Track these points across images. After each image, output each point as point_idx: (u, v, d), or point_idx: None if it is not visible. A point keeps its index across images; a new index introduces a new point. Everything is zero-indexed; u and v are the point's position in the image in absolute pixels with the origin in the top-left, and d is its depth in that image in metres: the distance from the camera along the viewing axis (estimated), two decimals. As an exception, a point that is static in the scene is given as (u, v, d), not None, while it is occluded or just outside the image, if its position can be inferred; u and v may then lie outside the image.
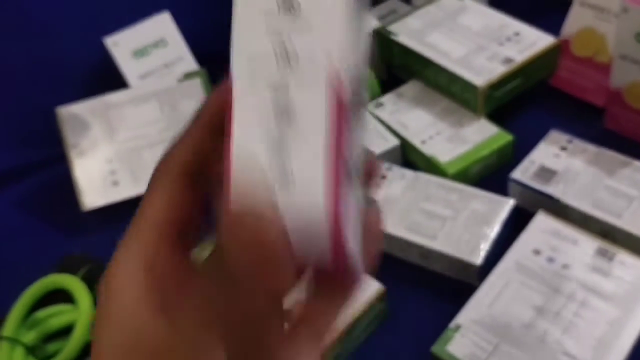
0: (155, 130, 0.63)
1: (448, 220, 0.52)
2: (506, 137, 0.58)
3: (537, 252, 0.48)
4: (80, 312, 0.49)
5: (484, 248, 0.49)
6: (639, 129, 0.58)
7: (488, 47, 0.62)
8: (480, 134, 0.59)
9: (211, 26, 0.75)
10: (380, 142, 0.60)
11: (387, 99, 0.64)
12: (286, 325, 0.24)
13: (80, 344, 0.48)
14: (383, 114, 0.62)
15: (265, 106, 0.20)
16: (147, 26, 0.69)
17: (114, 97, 0.64)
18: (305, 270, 0.25)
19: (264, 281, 0.22)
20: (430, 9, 0.68)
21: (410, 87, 0.65)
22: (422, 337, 0.46)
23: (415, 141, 0.59)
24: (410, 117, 0.62)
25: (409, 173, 0.56)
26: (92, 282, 0.50)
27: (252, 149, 0.20)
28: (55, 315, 0.50)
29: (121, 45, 0.68)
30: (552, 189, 0.52)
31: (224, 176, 0.20)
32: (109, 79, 0.68)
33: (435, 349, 0.44)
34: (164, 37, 0.69)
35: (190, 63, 0.69)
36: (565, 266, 0.47)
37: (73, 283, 0.49)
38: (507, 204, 0.52)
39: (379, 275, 0.49)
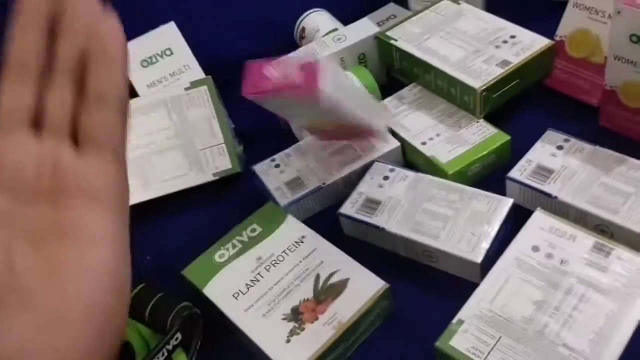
0: (163, 137, 0.65)
1: (449, 220, 0.53)
2: (504, 138, 0.60)
3: (535, 248, 0.50)
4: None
5: (484, 246, 0.51)
6: (633, 127, 0.59)
7: (485, 50, 0.63)
8: (479, 135, 0.60)
9: (216, 36, 0.77)
10: (382, 143, 0.61)
11: (388, 102, 0.66)
12: None
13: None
14: (384, 117, 0.64)
15: None
16: (154, 36, 0.71)
17: (122, 106, 0.66)
18: None
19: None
20: (428, 14, 0.70)
21: (410, 91, 0.67)
22: (426, 333, 0.48)
23: (416, 143, 0.61)
24: (411, 119, 0.63)
25: (410, 174, 0.58)
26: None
27: None
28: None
29: (129, 54, 0.70)
30: (550, 187, 0.54)
31: None
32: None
33: (439, 344, 0.46)
34: (171, 46, 0.71)
35: (196, 71, 0.71)
36: (563, 262, 0.49)
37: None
38: (507, 203, 0.53)
39: (383, 273, 0.51)
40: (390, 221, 0.54)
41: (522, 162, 0.56)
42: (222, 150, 0.65)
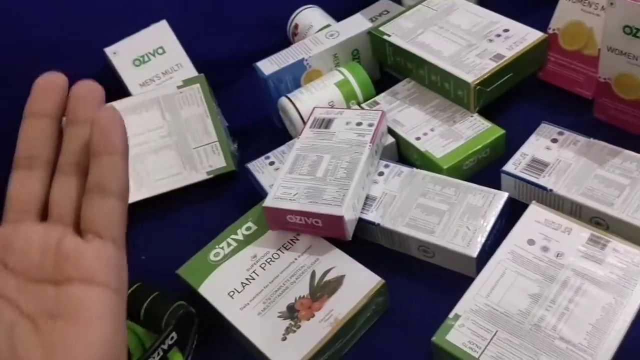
0: (157, 136, 0.64)
1: (445, 215, 0.53)
2: (498, 132, 0.59)
3: (531, 241, 0.50)
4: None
5: (480, 241, 0.51)
6: (628, 119, 0.59)
7: (478, 44, 0.63)
8: (473, 129, 0.60)
9: (209, 33, 0.77)
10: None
11: (382, 98, 0.66)
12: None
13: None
14: (378, 113, 0.64)
15: None
16: (146, 35, 0.70)
17: (115, 105, 0.65)
18: None
19: None
20: (421, 9, 0.70)
21: (404, 86, 0.67)
22: (423, 328, 0.47)
23: (410, 138, 0.61)
24: (405, 115, 0.63)
25: (405, 169, 0.58)
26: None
27: None
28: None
29: (121, 54, 0.70)
30: (544, 180, 0.54)
31: None
32: (110, 88, 0.70)
33: (436, 339, 0.45)
34: (163, 45, 0.71)
35: (189, 69, 0.70)
36: (559, 255, 0.49)
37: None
38: (502, 197, 0.53)
39: (379, 269, 0.50)
40: (385, 217, 0.54)
41: (516, 156, 0.56)
42: (215, 149, 0.64)
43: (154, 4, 0.73)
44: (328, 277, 0.50)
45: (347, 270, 0.51)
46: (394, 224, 0.54)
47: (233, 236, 0.55)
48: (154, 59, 0.70)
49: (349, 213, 0.52)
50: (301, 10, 0.76)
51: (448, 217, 0.53)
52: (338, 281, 0.50)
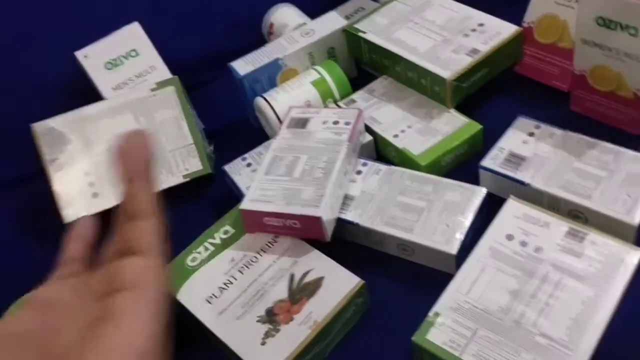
0: (131, 140, 0.63)
1: (423, 212, 0.53)
2: (476, 127, 0.59)
3: (510, 237, 0.49)
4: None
5: (459, 237, 0.50)
6: (604, 111, 0.59)
7: (454, 39, 0.63)
8: (451, 125, 0.60)
9: (182, 34, 0.76)
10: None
11: (359, 95, 0.65)
12: None
13: None
14: (355, 111, 0.63)
15: None
16: (118, 37, 0.69)
17: (88, 110, 0.65)
18: None
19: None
20: (396, 5, 0.69)
21: (381, 83, 0.66)
22: (404, 327, 0.47)
23: (388, 135, 0.60)
24: (382, 112, 0.63)
25: (383, 167, 0.57)
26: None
27: None
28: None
29: (93, 57, 0.69)
30: (522, 175, 0.53)
31: None
32: (83, 92, 0.69)
33: (416, 338, 0.45)
34: (135, 47, 0.70)
35: (163, 72, 0.69)
36: (538, 249, 0.48)
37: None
38: (480, 193, 0.53)
39: (358, 269, 0.50)
40: (364, 216, 0.54)
41: (494, 151, 0.56)
42: (191, 151, 0.63)
43: (125, 5, 0.72)
44: (307, 279, 0.50)
45: (326, 271, 0.50)
46: (373, 222, 0.53)
47: (210, 240, 0.54)
48: (126, 62, 0.69)
49: (327, 213, 0.51)
50: (276, 9, 0.75)
51: (427, 214, 0.52)
52: (317, 283, 0.49)
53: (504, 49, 0.62)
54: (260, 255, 0.52)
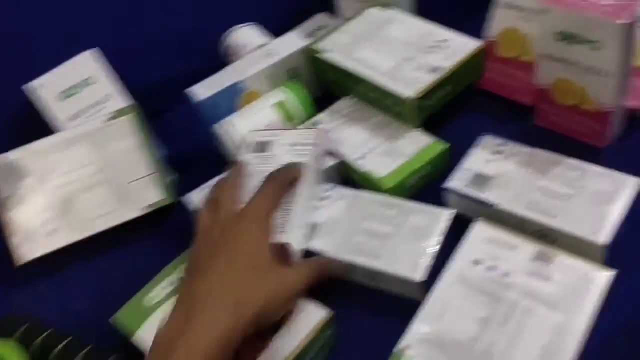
0: (87, 173, 0.61)
1: (389, 238, 0.51)
2: (441, 147, 0.58)
3: (477, 262, 0.48)
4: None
5: (424, 263, 0.49)
6: (568, 125, 0.58)
7: (415, 57, 0.62)
8: (416, 146, 0.58)
9: (140, 60, 0.74)
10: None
11: (323, 117, 0.64)
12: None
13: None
14: (319, 133, 0.62)
15: None
16: (71, 66, 0.67)
17: (42, 143, 0.62)
18: None
19: None
20: (357, 23, 0.68)
21: (344, 104, 0.65)
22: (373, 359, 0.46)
23: (351, 158, 0.59)
24: (346, 134, 0.61)
25: (348, 192, 0.56)
26: (28, 343, 0.48)
27: None
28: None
29: (46, 88, 0.66)
30: (488, 195, 0.52)
31: None
32: (37, 124, 0.66)
33: (385, 373, 0.44)
34: (91, 75, 0.68)
35: (121, 100, 0.67)
36: (505, 274, 0.47)
37: (5, 350, 0.47)
38: (446, 215, 0.52)
39: (326, 299, 0.48)
40: (330, 245, 0.52)
41: (459, 171, 0.55)
42: (152, 182, 0.61)
43: (79, 33, 0.70)
44: (271, 315, 0.48)
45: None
46: (339, 251, 0.52)
47: (169, 278, 0.52)
48: (82, 91, 0.67)
49: (295, 240, 0.50)
50: (235, 30, 0.74)
51: (393, 240, 0.51)
52: (283, 316, 0.48)
53: (467, 65, 0.61)
54: (223, 291, 0.50)
